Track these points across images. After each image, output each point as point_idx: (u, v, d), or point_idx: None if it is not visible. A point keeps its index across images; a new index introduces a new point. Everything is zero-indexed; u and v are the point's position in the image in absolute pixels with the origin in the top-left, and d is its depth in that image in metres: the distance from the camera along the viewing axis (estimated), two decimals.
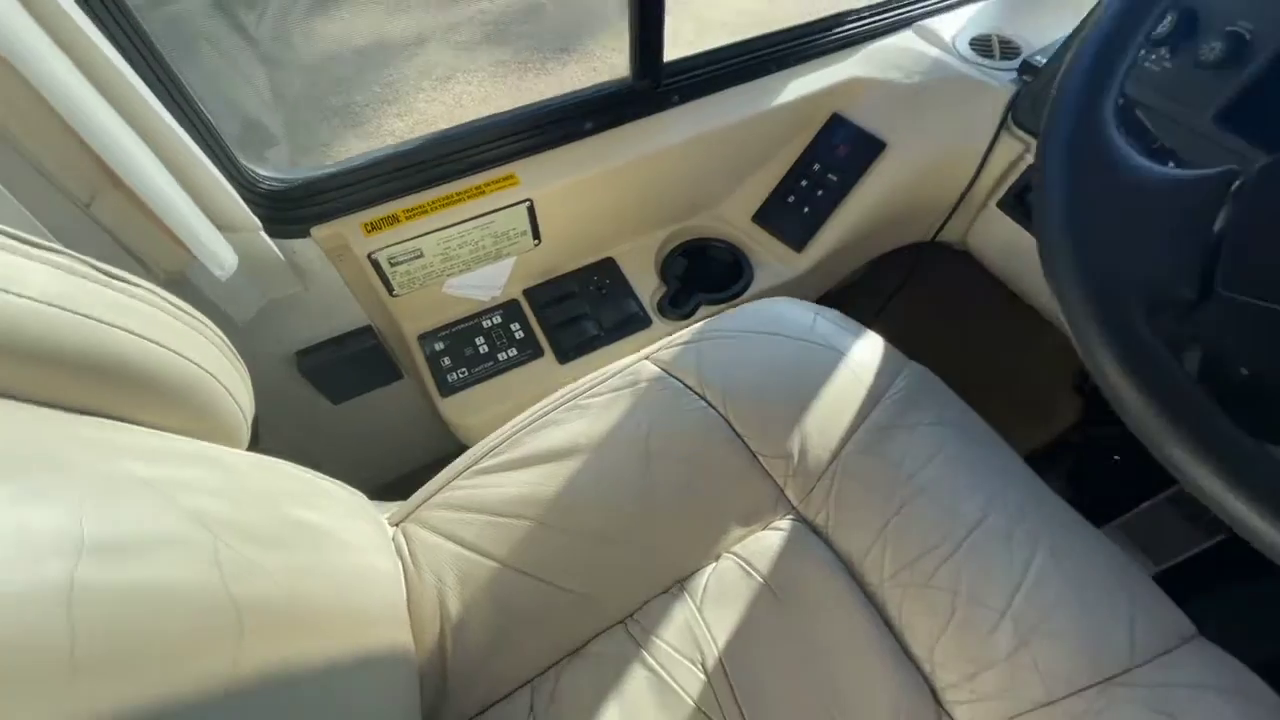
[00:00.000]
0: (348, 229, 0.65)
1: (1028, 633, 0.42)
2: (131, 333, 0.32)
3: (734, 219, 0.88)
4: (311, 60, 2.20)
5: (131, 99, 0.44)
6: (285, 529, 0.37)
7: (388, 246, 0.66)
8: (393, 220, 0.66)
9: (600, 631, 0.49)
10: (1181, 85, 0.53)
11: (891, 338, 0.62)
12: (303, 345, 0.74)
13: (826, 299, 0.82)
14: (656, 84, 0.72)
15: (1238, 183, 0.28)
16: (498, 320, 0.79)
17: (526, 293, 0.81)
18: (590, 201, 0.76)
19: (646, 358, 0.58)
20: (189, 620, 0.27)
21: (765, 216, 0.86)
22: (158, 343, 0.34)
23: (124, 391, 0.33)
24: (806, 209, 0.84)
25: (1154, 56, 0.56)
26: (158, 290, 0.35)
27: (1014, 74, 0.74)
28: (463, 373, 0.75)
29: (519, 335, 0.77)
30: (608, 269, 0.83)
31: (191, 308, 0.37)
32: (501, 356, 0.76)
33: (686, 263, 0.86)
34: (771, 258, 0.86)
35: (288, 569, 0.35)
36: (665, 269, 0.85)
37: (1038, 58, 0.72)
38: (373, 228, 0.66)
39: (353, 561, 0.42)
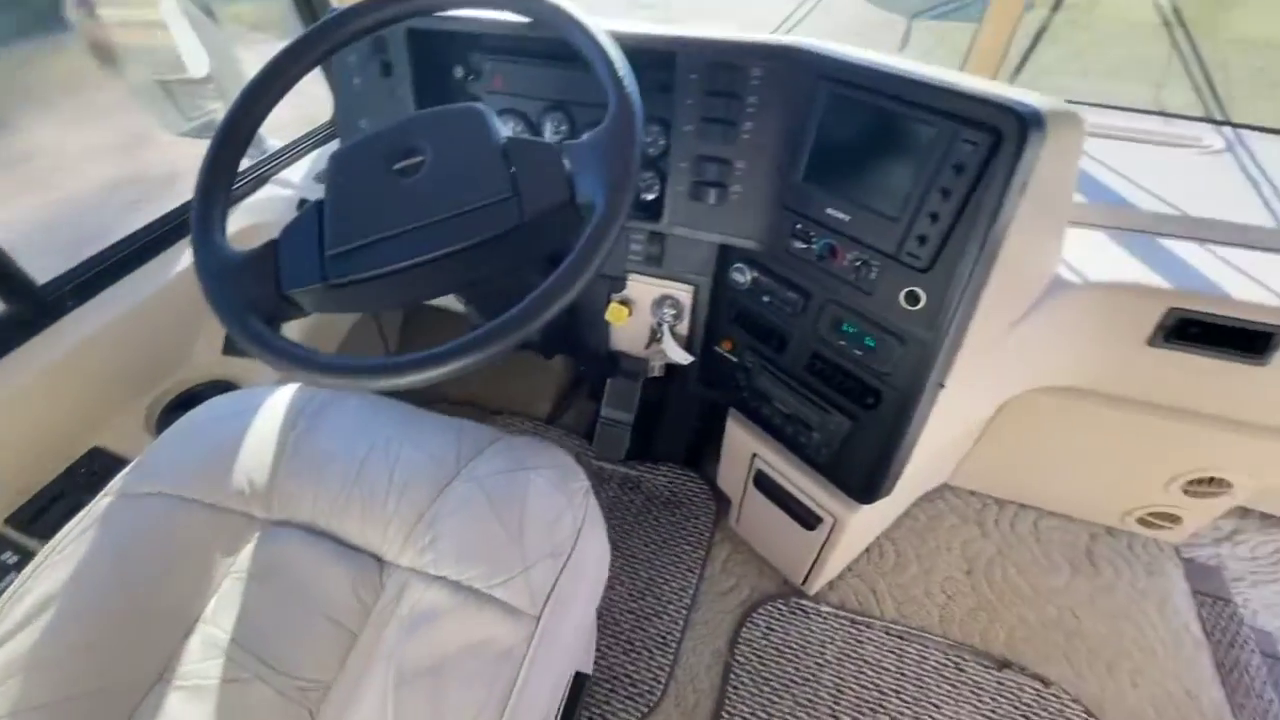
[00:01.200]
0: None
1: (401, 490, 0.69)
2: None
3: (207, 359, 1.05)
4: None
5: None
6: None
7: None
8: None
9: (140, 702, 0.60)
10: None
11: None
12: None
13: None
14: (35, 303, 0.85)
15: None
16: None
17: (9, 520, 0.83)
18: (30, 417, 0.83)
19: (103, 496, 0.70)
20: None
21: (230, 345, 1.05)
22: None
23: None
24: None
25: None
26: None
27: None
28: None
29: (14, 560, 0.80)
30: (96, 456, 0.91)
31: None
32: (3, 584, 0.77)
33: (183, 412, 0.99)
34: (254, 369, 1.05)
35: None
36: (162, 427, 0.96)
37: None
38: None
39: None
